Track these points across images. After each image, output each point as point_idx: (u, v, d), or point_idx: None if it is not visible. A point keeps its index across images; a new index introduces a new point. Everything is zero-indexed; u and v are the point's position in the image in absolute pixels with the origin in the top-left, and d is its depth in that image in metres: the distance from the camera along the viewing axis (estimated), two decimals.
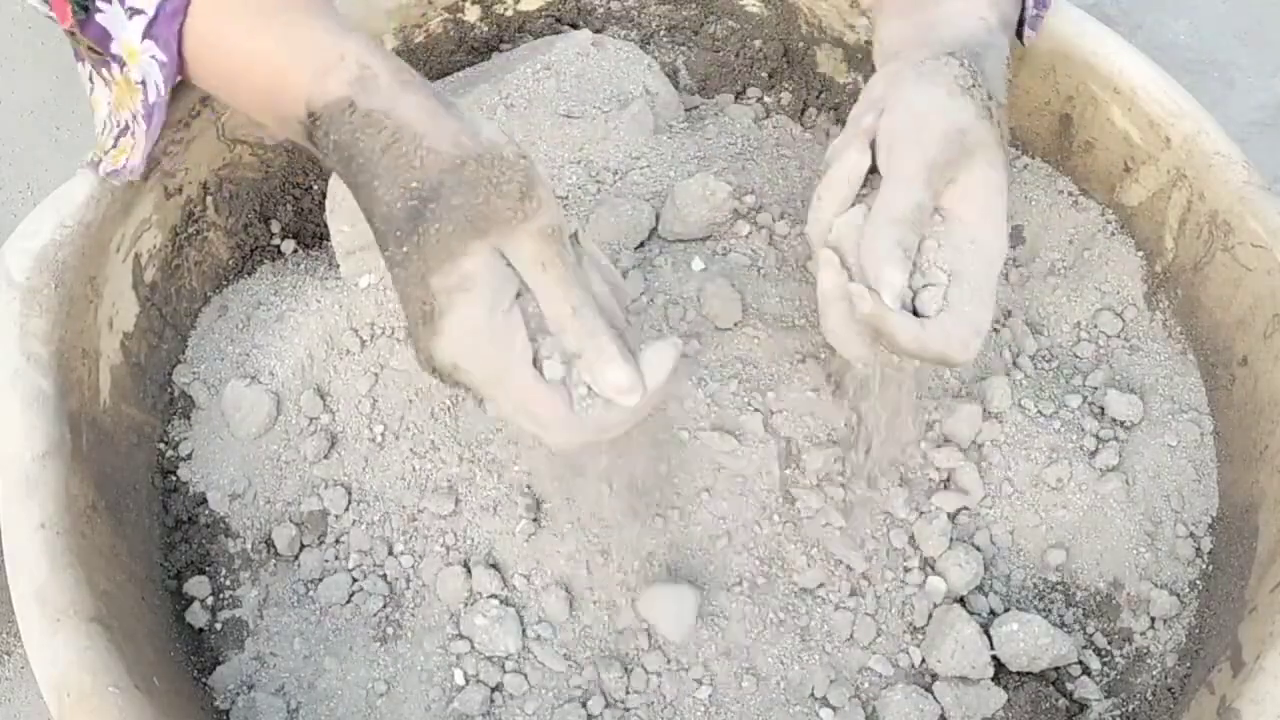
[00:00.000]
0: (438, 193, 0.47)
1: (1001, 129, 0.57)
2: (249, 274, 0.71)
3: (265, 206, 0.72)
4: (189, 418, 0.66)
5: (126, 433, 0.62)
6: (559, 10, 0.80)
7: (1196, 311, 0.69)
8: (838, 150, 0.57)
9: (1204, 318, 0.69)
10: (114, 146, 0.59)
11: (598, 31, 0.80)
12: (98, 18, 0.54)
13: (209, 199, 0.68)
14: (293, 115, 0.51)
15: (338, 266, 0.68)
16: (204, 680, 0.59)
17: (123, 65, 0.55)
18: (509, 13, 0.79)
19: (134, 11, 0.53)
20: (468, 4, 0.78)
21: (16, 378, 0.54)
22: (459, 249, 0.47)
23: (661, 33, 0.82)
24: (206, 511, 0.63)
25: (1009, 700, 0.60)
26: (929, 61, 0.57)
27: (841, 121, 0.81)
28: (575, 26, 0.80)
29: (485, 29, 0.79)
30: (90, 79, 0.59)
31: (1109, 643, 0.63)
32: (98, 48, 0.55)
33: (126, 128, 0.58)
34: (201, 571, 0.62)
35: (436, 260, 0.47)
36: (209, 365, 0.67)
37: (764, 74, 0.82)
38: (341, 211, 0.68)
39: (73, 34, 0.55)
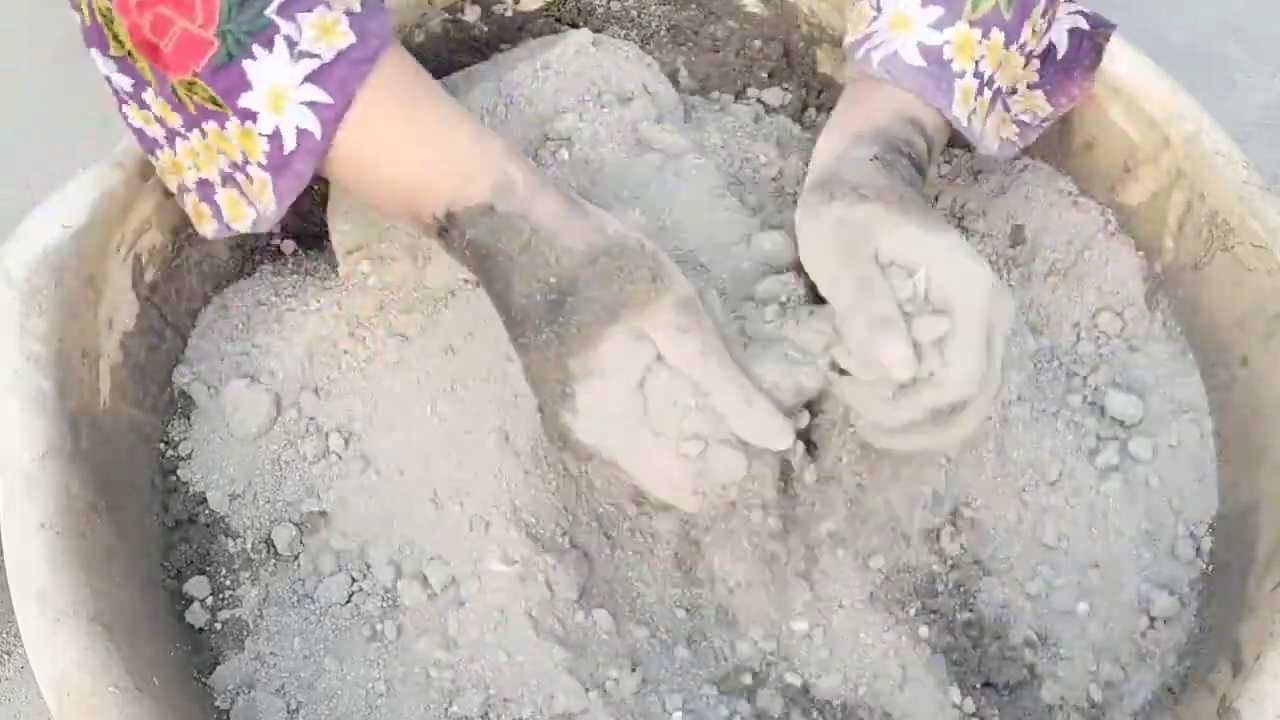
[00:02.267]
0: (575, 286, 0.52)
1: (886, 199, 0.58)
2: (249, 274, 0.71)
3: None
4: (189, 418, 0.66)
5: (126, 433, 0.62)
6: (559, 10, 0.80)
7: (1196, 311, 0.69)
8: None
9: (1204, 318, 0.69)
10: (205, 202, 0.58)
11: (598, 31, 0.80)
12: (245, 63, 0.52)
13: None
14: (429, 213, 0.55)
15: (338, 266, 0.68)
16: (204, 680, 0.59)
17: (248, 119, 0.53)
18: (509, 13, 0.79)
19: (305, 55, 0.52)
20: (468, 4, 0.78)
21: (16, 378, 0.54)
22: (597, 335, 0.52)
23: (661, 33, 0.82)
24: (206, 511, 0.63)
25: (1009, 695, 0.61)
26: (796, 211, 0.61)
27: None
28: (575, 26, 0.80)
29: (485, 29, 0.79)
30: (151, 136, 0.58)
31: (1109, 643, 0.63)
32: (220, 99, 0.53)
33: (194, 190, 0.58)
34: (201, 571, 0.62)
35: (577, 345, 0.52)
36: (209, 365, 0.67)
37: (764, 74, 0.82)
38: (341, 211, 0.68)
39: (189, 85, 0.53)
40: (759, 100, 0.81)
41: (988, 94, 0.64)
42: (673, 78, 0.80)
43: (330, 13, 0.53)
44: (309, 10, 0.52)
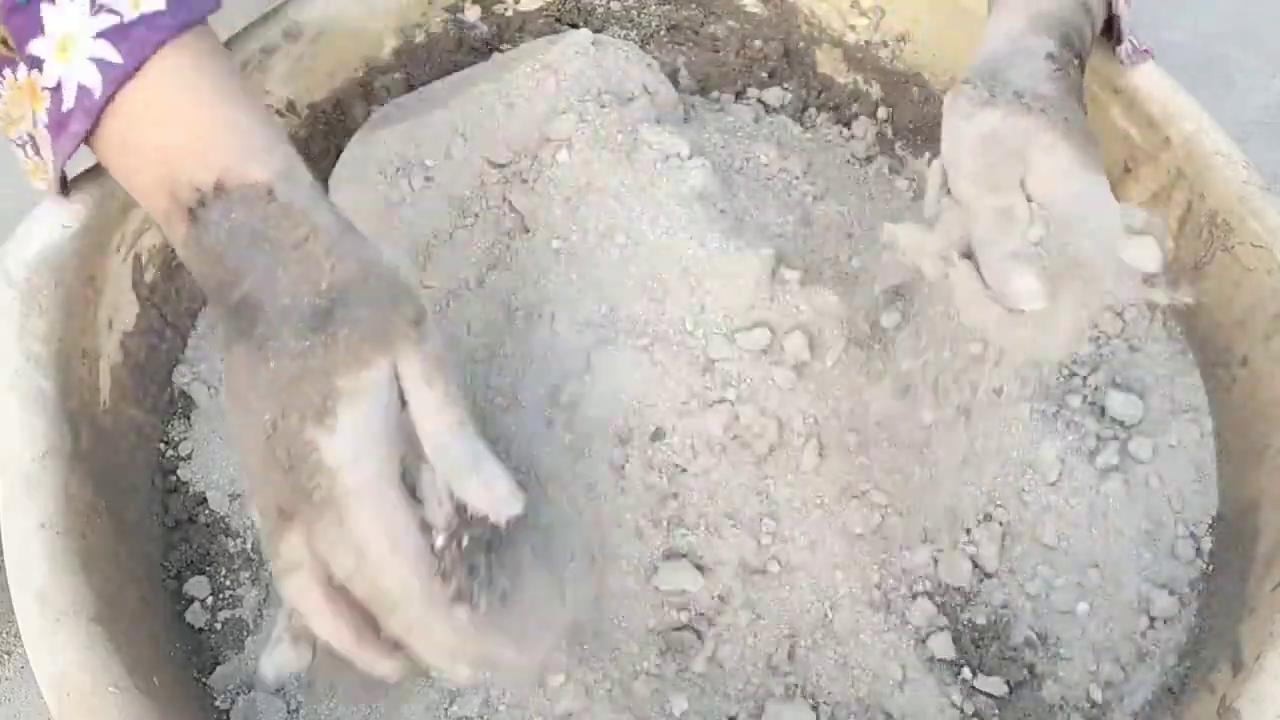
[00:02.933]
0: (345, 300, 0.48)
1: (1050, 115, 0.56)
2: None
3: None
4: (189, 418, 0.66)
5: (126, 433, 0.62)
6: (559, 10, 0.80)
7: (1196, 311, 0.69)
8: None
9: (1204, 318, 0.69)
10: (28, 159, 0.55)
11: (598, 31, 0.80)
12: (42, 6, 0.50)
13: None
14: (190, 183, 0.50)
15: None
16: (204, 680, 0.59)
17: (34, 66, 0.51)
18: (509, 13, 0.79)
19: (104, 9, 0.50)
20: (468, 4, 0.78)
21: (16, 378, 0.54)
22: (367, 357, 0.48)
23: (661, 33, 0.82)
24: (206, 511, 0.63)
25: (1009, 695, 0.61)
26: (949, 97, 0.59)
27: (841, 121, 0.81)
28: (575, 26, 0.80)
29: (485, 29, 0.79)
30: None
31: (1109, 643, 0.63)
32: (10, 41, 0.50)
33: (26, 141, 0.54)
34: (201, 571, 0.62)
35: (345, 363, 0.47)
36: (209, 365, 0.67)
37: (764, 74, 0.82)
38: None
39: None
40: (759, 100, 0.81)
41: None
42: (673, 78, 0.80)
43: None
44: None
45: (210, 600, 0.61)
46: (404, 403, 0.49)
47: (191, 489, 0.64)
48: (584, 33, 0.75)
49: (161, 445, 0.65)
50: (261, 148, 0.50)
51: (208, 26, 0.52)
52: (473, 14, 0.78)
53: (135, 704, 0.49)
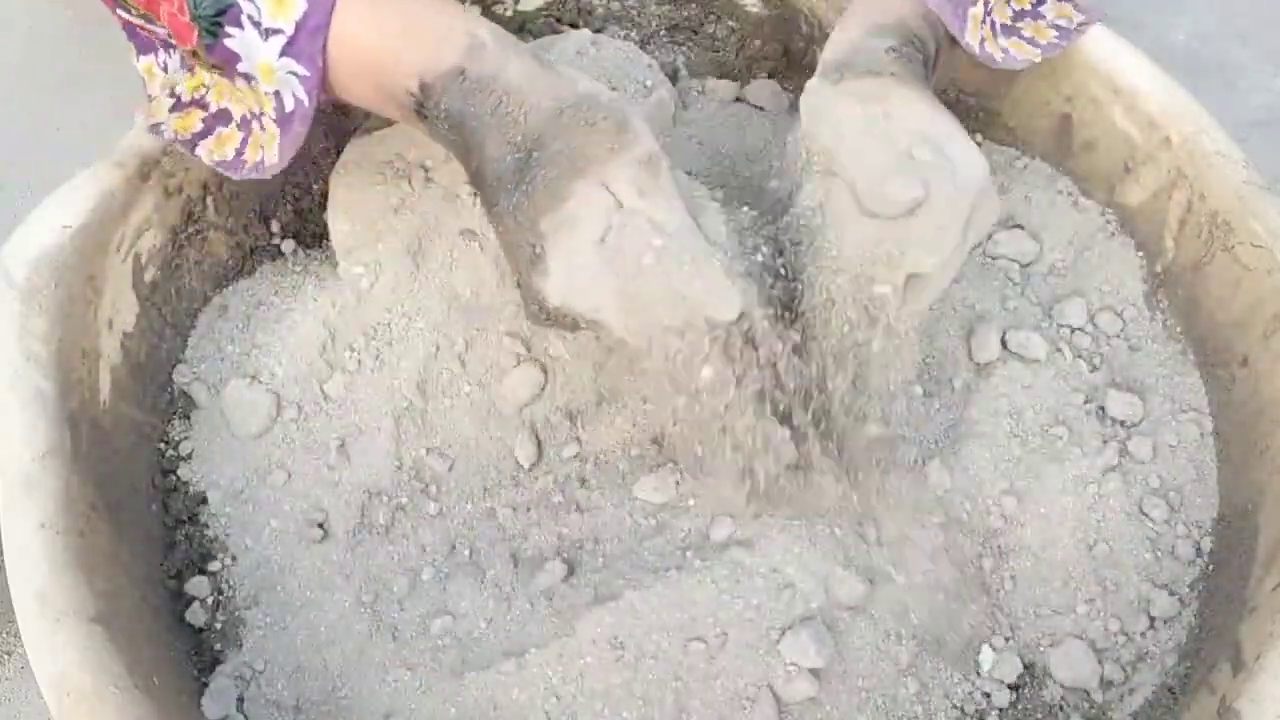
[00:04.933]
0: (540, 142, 0.52)
1: (896, 77, 0.59)
2: (249, 274, 0.71)
3: (265, 206, 0.72)
4: (189, 418, 0.66)
5: (126, 433, 0.62)
6: (559, 10, 0.80)
7: (1196, 311, 0.69)
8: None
9: (1204, 318, 0.69)
10: (209, 135, 0.60)
11: (598, 31, 0.80)
12: (226, 42, 0.55)
13: (209, 199, 0.68)
14: (404, 89, 0.55)
15: (338, 266, 0.68)
16: (204, 680, 0.59)
17: (250, 80, 0.56)
18: (509, 13, 0.79)
19: (271, 32, 0.54)
20: (467, 4, 0.78)
21: (16, 378, 0.54)
22: (563, 191, 0.51)
23: (661, 33, 0.82)
24: (206, 511, 0.63)
25: (1013, 699, 0.61)
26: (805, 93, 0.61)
27: None
28: (575, 26, 0.80)
29: None
30: (161, 62, 0.61)
31: (1108, 643, 0.63)
32: (222, 66, 0.56)
33: (232, 123, 0.60)
34: (201, 571, 0.62)
35: (545, 204, 0.51)
36: (209, 365, 0.67)
37: (764, 74, 0.82)
38: (341, 212, 0.68)
39: (195, 54, 0.56)
40: (758, 104, 0.81)
41: (988, 26, 0.66)
42: (673, 78, 0.81)
43: None
44: None
45: (210, 600, 0.61)
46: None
47: (191, 489, 0.64)
48: (584, 33, 0.75)
49: (161, 445, 0.65)
50: (443, 35, 0.55)
51: None
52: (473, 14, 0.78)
53: (135, 704, 0.49)
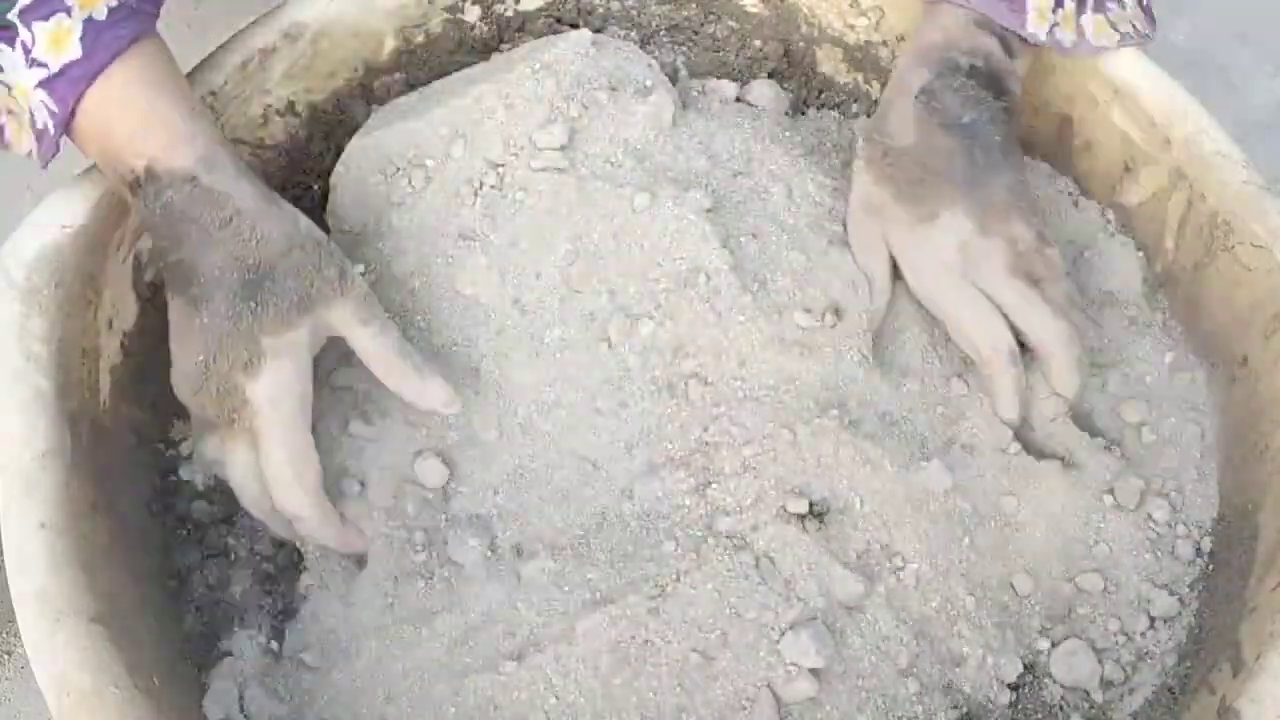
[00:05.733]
0: (272, 273, 0.58)
1: (903, 171, 0.65)
2: None
3: None
4: (189, 418, 0.66)
5: (126, 433, 0.62)
6: (559, 10, 0.80)
7: (1196, 311, 0.69)
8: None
9: (1204, 318, 0.69)
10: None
11: (598, 31, 0.80)
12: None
13: None
14: (128, 166, 0.58)
15: None
16: (204, 680, 0.59)
17: (8, 89, 0.58)
18: (509, 13, 0.79)
19: (37, 63, 0.56)
20: (468, 4, 0.78)
21: (16, 378, 0.54)
22: (292, 321, 0.58)
23: (661, 33, 0.82)
24: (206, 511, 0.63)
25: (1013, 699, 0.61)
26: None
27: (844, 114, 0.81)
28: (575, 26, 0.80)
29: (485, 29, 0.79)
30: None
31: (1108, 643, 0.63)
32: None
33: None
34: (201, 571, 0.62)
35: (272, 327, 0.57)
36: None
37: (764, 74, 0.82)
38: (341, 211, 0.68)
39: None
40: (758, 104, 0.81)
41: (1073, 5, 0.66)
42: (672, 78, 0.80)
43: (68, 20, 0.56)
44: (45, 19, 0.56)
45: (210, 599, 0.61)
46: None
47: (191, 489, 0.64)
48: (584, 33, 0.75)
49: (161, 445, 0.65)
50: (184, 138, 0.58)
51: (145, 43, 0.59)
52: (473, 14, 0.78)
53: (135, 704, 0.49)
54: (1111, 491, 0.65)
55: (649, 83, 0.74)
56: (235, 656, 0.60)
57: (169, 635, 0.59)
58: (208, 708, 0.57)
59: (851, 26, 0.79)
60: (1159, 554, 0.64)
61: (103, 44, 0.57)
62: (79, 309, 0.59)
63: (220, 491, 0.64)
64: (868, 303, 0.66)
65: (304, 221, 0.60)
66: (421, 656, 0.59)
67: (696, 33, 0.82)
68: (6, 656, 0.77)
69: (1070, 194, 0.75)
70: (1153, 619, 0.63)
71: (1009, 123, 0.65)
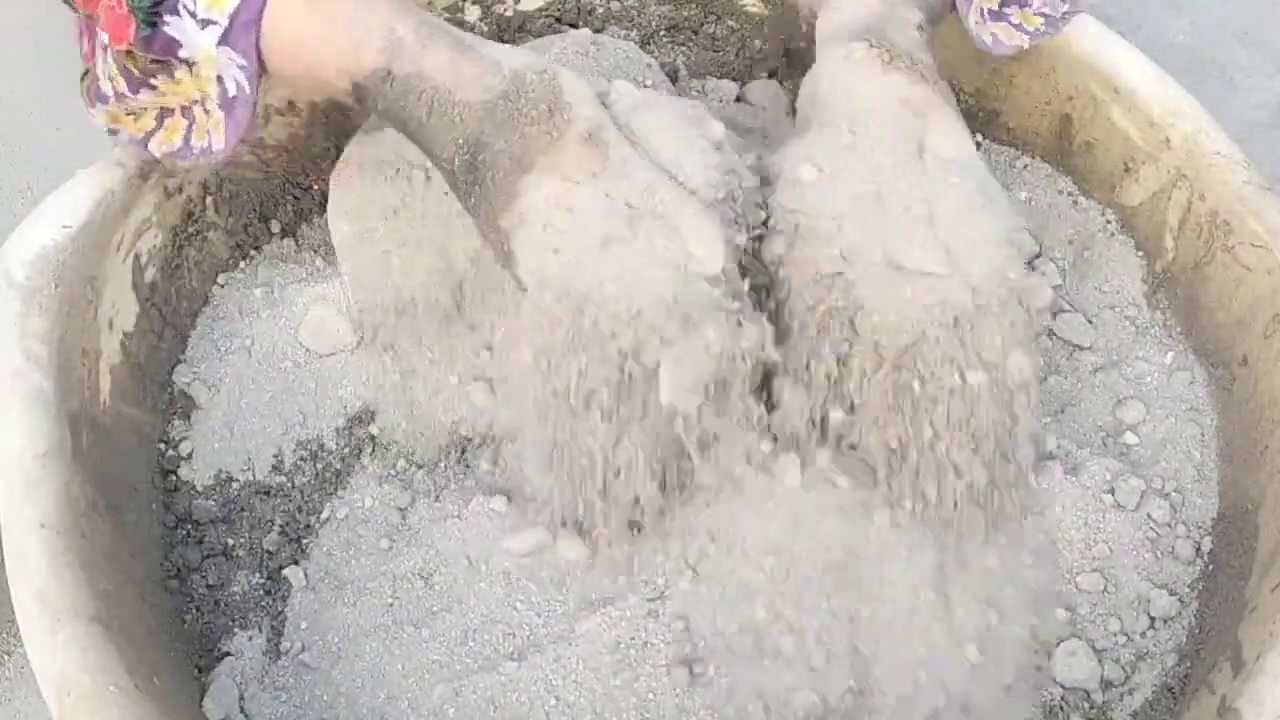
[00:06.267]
0: (480, 143, 0.53)
1: (939, 87, 0.61)
2: (249, 273, 0.71)
3: (265, 206, 0.72)
4: (189, 418, 0.66)
5: (126, 433, 0.62)
6: (559, 10, 0.80)
7: (1196, 311, 0.69)
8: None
9: (1204, 318, 0.69)
10: (158, 126, 0.59)
11: (598, 31, 0.80)
12: (165, 29, 0.54)
13: (209, 199, 0.68)
14: (340, 90, 0.56)
15: (338, 266, 0.68)
16: (204, 680, 0.59)
17: (192, 66, 0.56)
18: (509, 13, 0.79)
19: (207, 22, 0.54)
20: (468, 4, 0.78)
21: (16, 378, 0.54)
22: (512, 189, 0.52)
23: (661, 33, 0.82)
24: (206, 511, 0.63)
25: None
26: (841, 50, 0.61)
27: None
28: (575, 26, 0.80)
29: (485, 29, 0.79)
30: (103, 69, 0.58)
31: (1108, 643, 0.63)
32: (162, 57, 0.55)
33: (176, 111, 0.58)
34: (201, 571, 0.62)
35: (499, 204, 0.53)
36: (209, 365, 0.67)
37: (764, 74, 0.82)
38: (341, 211, 0.68)
39: (130, 54, 0.55)
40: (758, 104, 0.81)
41: (985, 12, 0.67)
42: (672, 77, 0.80)
43: None
44: None
45: (210, 599, 0.61)
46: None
47: (191, 489, 0.64)
48: (584, 33, 0.75)
49: (161, 445, 0.65)
50: (362, 35, 0.54)
51: None
52: (473, 14, 0.78)
53: (135, 704, 0.49)
54: (1111, 491, 0.65)
55: (649, 83, 0.74)
56: (235, 656, 0.60)
57: (169, 635, 0.59)
58: (208, 708, 0.57)
59: None
60: (1159, 554, 0.64)
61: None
62: (79, 309, 0.59)
63: (220, 491, 0.64)
64: None
65: (508, 60, 0.55)
66: (421, 657, 0.59)
67: (696, 33, 0.82)
68: (6, 656, 0.77)
69: (1070, 194, 0.75)
70: (1153, 619, 0.63)
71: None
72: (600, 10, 0.81)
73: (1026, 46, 0.69)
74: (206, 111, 0.57)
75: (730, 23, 0.82)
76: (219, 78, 0.56)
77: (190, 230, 0.67)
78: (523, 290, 0.54)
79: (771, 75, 0.82)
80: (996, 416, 0.58)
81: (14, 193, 0.98)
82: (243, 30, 0.55)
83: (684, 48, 0.82)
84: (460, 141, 0.53)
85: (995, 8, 0.69)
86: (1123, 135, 0.71)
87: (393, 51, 0.54)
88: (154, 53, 0.55)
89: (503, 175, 0.52)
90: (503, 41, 0.79)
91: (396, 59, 0.54)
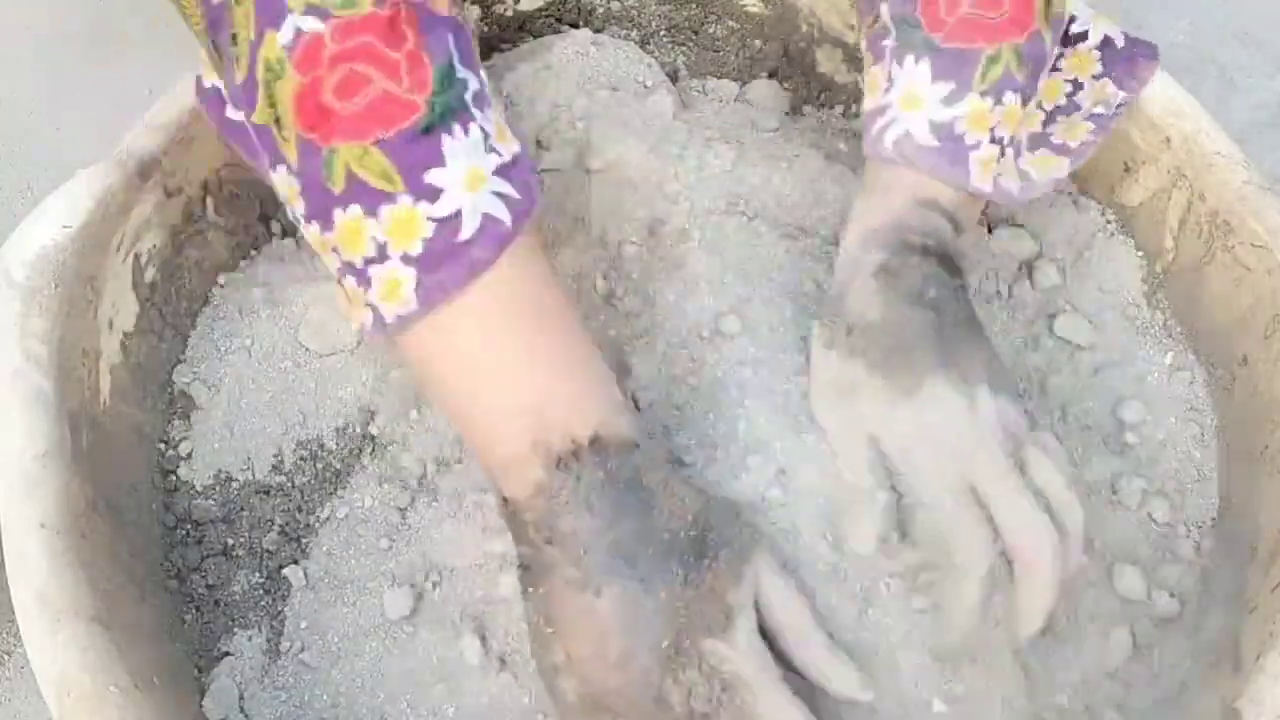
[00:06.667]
0: (710, 524, 0.53)
1: (874, 343, 0.59)
2: (250, 273, 0.71)
3: (265, 206, 0.72)
4: (189, 418, 0.66)
5: (126, 433, 0.62)
6: (559, 10, 0.80)
7: (1196, 311, 0.69)
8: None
9: (1204, 318, 0.69)
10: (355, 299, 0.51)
11: (598, 31, 0.80)
12: (443, 137, 0.48)
13: (209, 199, 0.68)
14: (563, 433, 0.51)
15: None
16: (204, 680, 0.59)
17: (423, 199, 0.47)
18: (509, 13, 0.79)
19: (493, 150, 0.49)
20: (468, 4, 0.78)
21: (16, 378, 0.54)
22: (741, 570, 0.52)
23: (661, 33, 0.82)
24: (206, 511, 0.63)
25: None
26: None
27: (846, 115, 0.81)
28: (575, 26, 0.80)
29: (485, 29, 0.79)
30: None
31: None
32: (397, 172, 0.47)
33: (357, 267, 0.50)
34: (201, 571, 0.62)
35: (730, 579, 0.52)
36: (209, 365, 0.67)
37: (764, 74, 0.82)
38: None
39: (361, 155, 0.47)
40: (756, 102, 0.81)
41: (1011, 153, 0.63)
42: (672, 77, 0.81)
43: (501, 115, 0.51)
44: (489, 107, 0.50)
45: (210, 599, 0.61)
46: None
47: (191, 489, 0.64)
48: (584, 33, 0.75)
49: (161, 445, 0.65)
50: (622, 403, 0.54)
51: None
52: (473, 14, 0.78)
53: (135, 704, 0.49)
54: (1112, 491, 0.65)
55: (649, 83, 0.74)
56: (235, 656, 0.60)
57: (169, 635, 0.59)
58: (208, 708, 0.57)
59: (852, 26, 0.79)
60: (1159, 554, 0.64)
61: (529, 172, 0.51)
62: (79, 309, 0.59)
63: (220, 491, 0.64)
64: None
65: (690, 487, 0.55)
66: (422, 656, 0.59)
67: (696, 33, 0.82)
68: (6, 656, 0.77)
69: (1070, 194, 0.75)
70: (1153, 619, 0.63)
71: (969, 303, 0.61)
72: (600, 10, 0.81)
73: (1064, 175, 0.66)
74: (374, 275, 0.49)
75: (730, 23, 0.82)
76: (453, 215, 0.48)
77: (190, 230, 0.67)
78: (704, 669, 0.51)
79: (771, 75, 0.82)
80: None
81: (14, 193, 0.98)
82: (527, 173, 0.50)
83: (684, 48, 0.82)
84: (689, 519, 0.53)
85: (1039, 129, 0.66)
86: (1122, 135, 0.71)
87: (640, 430, 0.54)
88: (401, 159, 0.47)
89: (735, 554, 0.53)
90: (503, 42, 0.80)
91: (644, 437, 0.54)
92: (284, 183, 0.50)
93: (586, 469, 0.51)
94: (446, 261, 0.48)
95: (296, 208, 0.51)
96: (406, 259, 0.48)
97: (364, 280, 0.49)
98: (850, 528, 0.58)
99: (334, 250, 0.50)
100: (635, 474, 0.52)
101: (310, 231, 0.51)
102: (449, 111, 0.48)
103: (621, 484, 0.51)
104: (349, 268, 0.49)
